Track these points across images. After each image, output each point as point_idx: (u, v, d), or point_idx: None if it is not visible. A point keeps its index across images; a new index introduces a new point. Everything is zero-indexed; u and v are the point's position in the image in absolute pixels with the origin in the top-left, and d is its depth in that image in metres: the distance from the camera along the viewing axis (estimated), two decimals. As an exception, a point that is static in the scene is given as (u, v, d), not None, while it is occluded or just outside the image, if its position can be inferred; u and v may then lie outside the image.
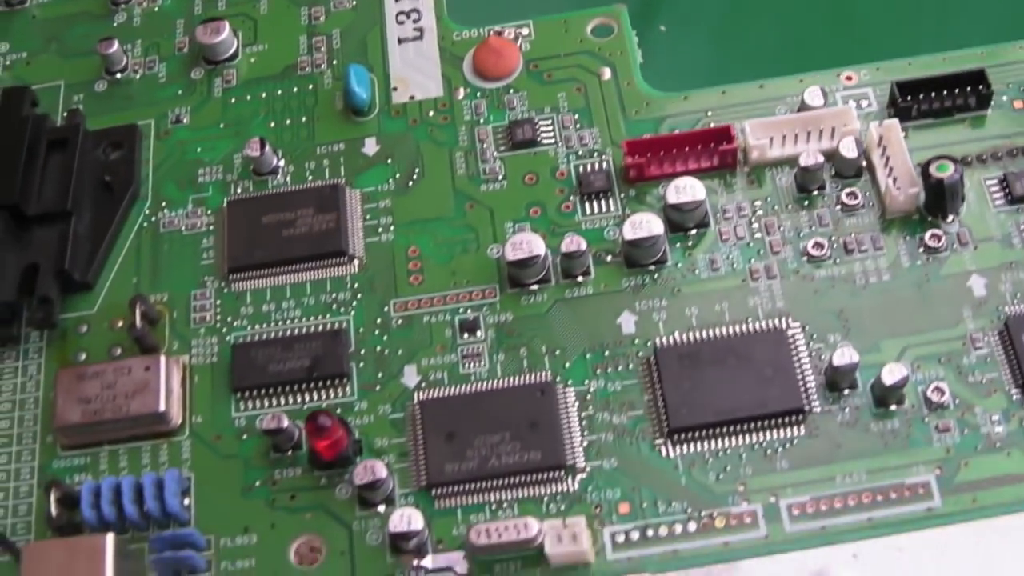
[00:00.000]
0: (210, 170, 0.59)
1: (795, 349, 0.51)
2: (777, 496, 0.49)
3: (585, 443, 0.50)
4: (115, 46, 0.61)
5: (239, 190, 0.58)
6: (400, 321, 0.54)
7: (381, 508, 0.50)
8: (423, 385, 0.52)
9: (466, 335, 0.53)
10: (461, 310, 0.54)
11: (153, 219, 0.58)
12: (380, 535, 0.50)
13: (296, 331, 0.54)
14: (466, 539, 0.48)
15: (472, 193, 0.56)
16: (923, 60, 0.57)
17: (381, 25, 0.62)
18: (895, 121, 0.54)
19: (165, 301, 0.56)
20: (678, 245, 0.54)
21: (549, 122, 0.58)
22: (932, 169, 0.52)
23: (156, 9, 0.64)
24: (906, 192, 0.53)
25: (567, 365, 0.52)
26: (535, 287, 0.54)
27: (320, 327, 0.54)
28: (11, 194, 0.56)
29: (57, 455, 0.53)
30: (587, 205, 0.55)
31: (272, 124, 0.59)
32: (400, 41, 0.61)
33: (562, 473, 0.50)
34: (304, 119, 0.59)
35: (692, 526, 0.48)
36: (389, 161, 0.58)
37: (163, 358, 0.53)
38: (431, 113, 0.59)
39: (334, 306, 0.54)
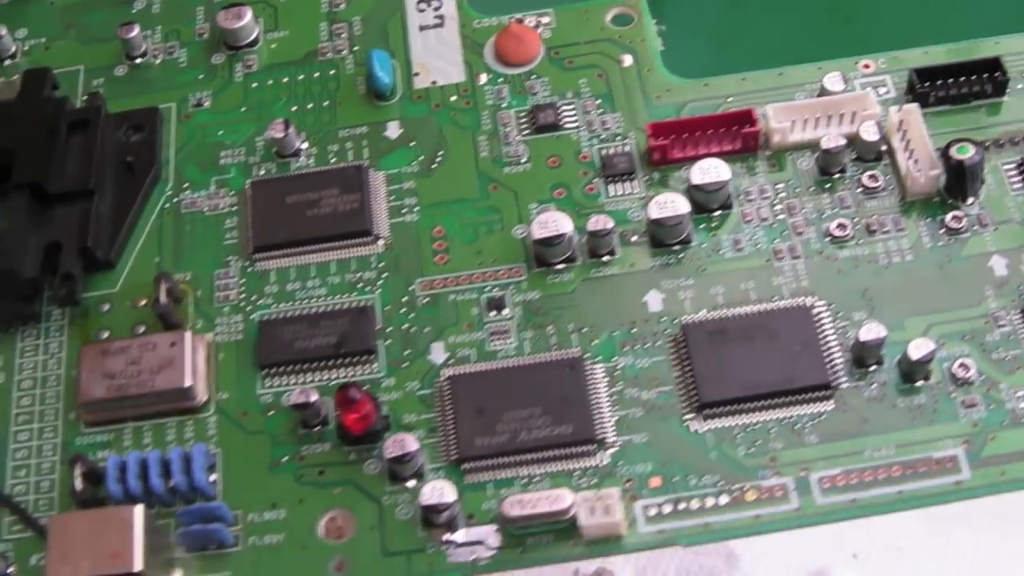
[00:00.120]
0: (232, 152, 0.59)
1: (821, 326, 0.51)
2: (807, 470, 0.49)
3: (615, 418, 0.50)
4: (136, 31, 0.61)
5: (262, 172, 0.58)
6: (426, 299, 0.54)
7: (411, 483, 0.50)
8: (451, 362, 0.52)
9: (493, 313, 0.53)
10: (487, 289, 0.54)
11: (175, 200, 0.58)
12: (410, 510, 0.49)
13: (322, 309, 0.54)
14: (499, 511, 0.48)
15: (496, 175, 0.57)
16: (939, 49, 0.58)
17: (402, 12, 0.62)
18: (915, 105, 0.55)
19: (188, 280, 0.55)
20: (702, 226, 0.54)
21: (571, 107, 0.58)
22: (953, 151, 0.53)
23: (175, -5, 0.65)
24: (927, 174, 0.53)
25: (595, 342, 0.52)
26: (561, 266, 0.54)
27: (346, 306, 0.54)
28: (34, 172, 0.56)
29: (80, 432, 0.53)
30: (611, 187, 0.56)
31: (294, 108, 0.59)
32: (421, 28, 0.62)
33: (593, 447, 0.50)
34: (326, 103, 0.60)
35: (724, 499, 0.49)
36: (412, 144, 0.58)
37: (188, 334, 0.53)
38: (453, 98, 0.59)
39: (359, 285, 0.54)
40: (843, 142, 0.54)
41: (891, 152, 0.55)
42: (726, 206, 0.55)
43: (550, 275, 0.54)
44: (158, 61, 0.62)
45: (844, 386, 0.50)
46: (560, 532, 0.48)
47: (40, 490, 0.52)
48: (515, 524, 0.48)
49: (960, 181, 0.53)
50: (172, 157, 0.59)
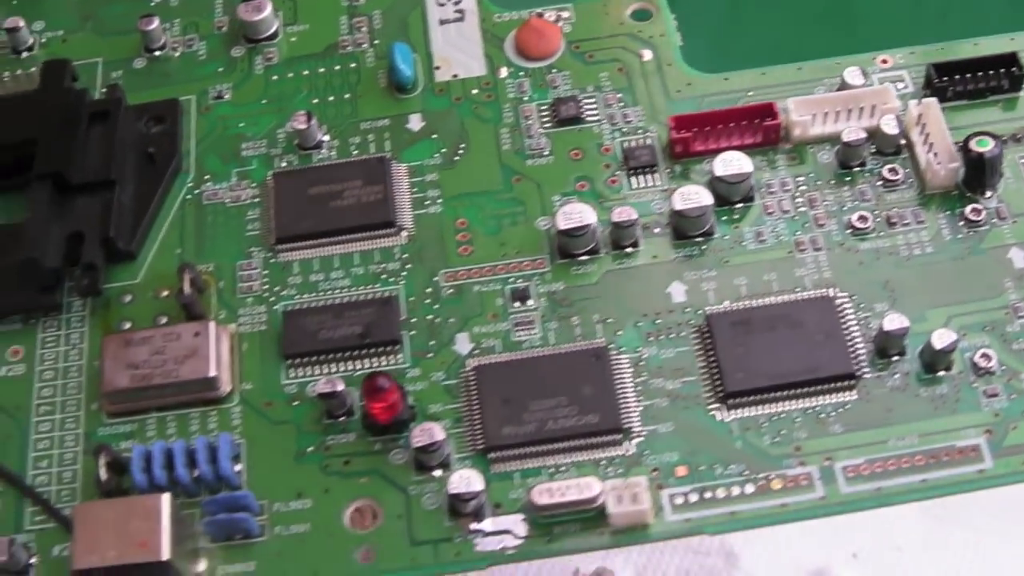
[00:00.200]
0: (253, 144, 0.59)
1: (843, 317, 0.52)
2: (832, 459, 0.49)
3: (640, 408, 0.51)
4: (156, 23, 0.61)
5: (283, 164, 0.58)
6: (451, 290, 0.54)
7: (437, 473, 0.50)
8: (476, 352, 0.52)
9: (517, 304, 0.53)
10: (511, 280, 0.54)
11: (196, 191, 0.58)
12: (437, 499, 0.49)
13: (345, 300, 0.54)
14: (527, 499, 0.48)
15: (518, 167, 0.57)
16: (955, 45, 0.59)
17: (422, 6, 0.62)
18: (934, 100, 0.55)
19: (211, 271, 0.55)
20: (724, 218, 0.55)
21: (593, 100, 0.58)
22: (972, 144, 0.54)
23: (193, -11, 0.65)
24: (947, 167, 0.54)
25: (619, 333, 0.52)
26: (584, 258, 0.54)
27: (370, 296, 0.54)
28: (55, 162, 0.56)
29: (102, 422, 0.52)
30: (633, 180, 0.56)
31: (315, 101, 0.60)
32: (441, 22, 0.62)
33: (620, 437, 0.50)
34: (347, 96, 0.60)
35: (750, 488, 0.49)
36: (434, 136, 0.58)
37: (212, 324, 0.53)
38: (474, 91, 0.59)
39: (383, 276, 0.55)
40: (864, 135, 0.55)
41: (910, 146, 0.56)
42: (748, 199, 0.55)
43: (574, 266, 0.54)
44: (177, 54, 0.62)
45: (867, 376, 0.51)
46: (587, 521, 0.49)
47: (62, 481, 0.52)
48: (543, 512, 0.48)
49: (980, 174, 0.54)
50: (193, 149, 0.59)
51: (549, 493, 0.48)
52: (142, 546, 0.47)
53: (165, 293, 0.55)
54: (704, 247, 0.54)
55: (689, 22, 0.61)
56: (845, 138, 0.55)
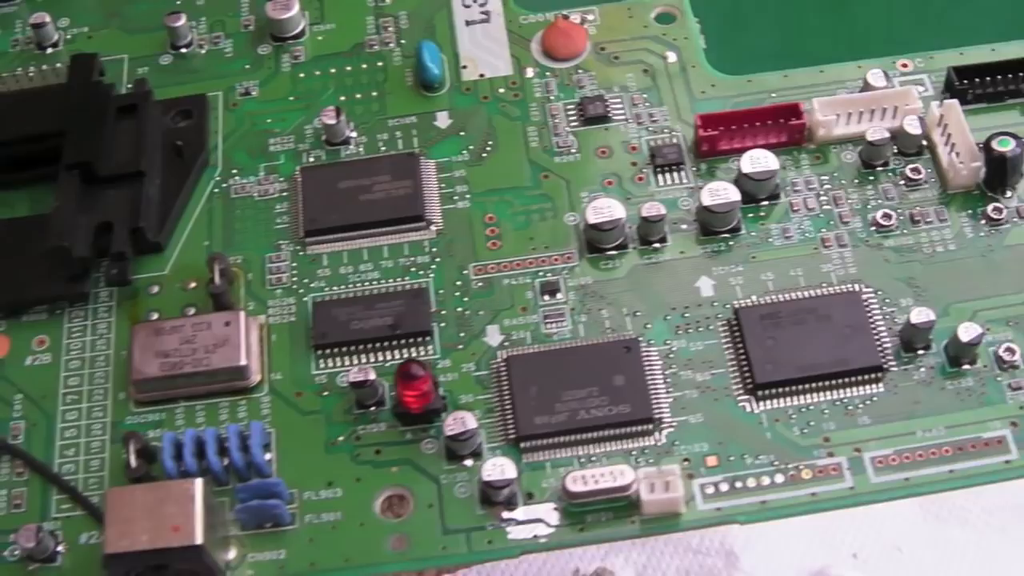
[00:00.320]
0: (281, 140, 0.59)
1: (869, 311, 0.52)
2: (860, 449, 0.50)
3: (671, 399, 0.51)
4: (183, 19, 0.62)
5: (311, 159, 0.58)
6: (480, 284, 0.54)
7: (468, 462, 0.50)
8: (506, 344, 0.53)
9: (547, 297, 0.54)
10: (541, 274, 0.54)
11: (224, 185, 0.58)
12: (468, 488, 0.50)
13: (376, 292, 0.54)
14: (561, 487, 0.49)
15: (546, 164, 0.57)
16: (973, 51, 0.60)
17: (448, 7, 0.63)
18: (955, 101, 0.56)
19: (240, 263, 0.56)
20: (750, 215, 0.55)
21: (619, 100, 0.59)
22: (994, 144, 0.55)
23: (220, -12, 0.65)
24: (969, 166, 0.55)
25: (648, 326, 0.53)
26: (613, 252, 0.55)
27: (399, 289, 0.54)
28: (84, 153, 0.56)
29: (130, 411, 0.52)
30: (659, 177, 0.57)
31: (343, 98, 0.60)
32: (467, 23, 0.62)
33: (651, 427, 0.50)
34: (375, 94, 0.60)
35: (780, 478, 0.49)
36: (462, 134, 0.59)
37: (242, 314, 0.53)
38: (501, 90, 0.60)
39: (412, 269, 0.55)
40: (887, 135, 0.56)
41: (932, 146, 0.57)
42: (773, 196, 0.56)
43: (603, 261, 0.55)
44: (203, 51, 0.62)
45: (894, 369, 0.51)
46: (619, 509, 0.49)
47: (89, 469, 0.51)
48: (576, 500, 0.48)
49: (1001, 174, 0.55)
50: (220, 143, 0.59)
51: (583, 480, 0.48)
52: (175, 530, 0.47)
53: (193, 285, 0.55)
54: (731, 243, 0.55)
55: (707, 27, 0.63)
56: (869, 137, 0.56)
